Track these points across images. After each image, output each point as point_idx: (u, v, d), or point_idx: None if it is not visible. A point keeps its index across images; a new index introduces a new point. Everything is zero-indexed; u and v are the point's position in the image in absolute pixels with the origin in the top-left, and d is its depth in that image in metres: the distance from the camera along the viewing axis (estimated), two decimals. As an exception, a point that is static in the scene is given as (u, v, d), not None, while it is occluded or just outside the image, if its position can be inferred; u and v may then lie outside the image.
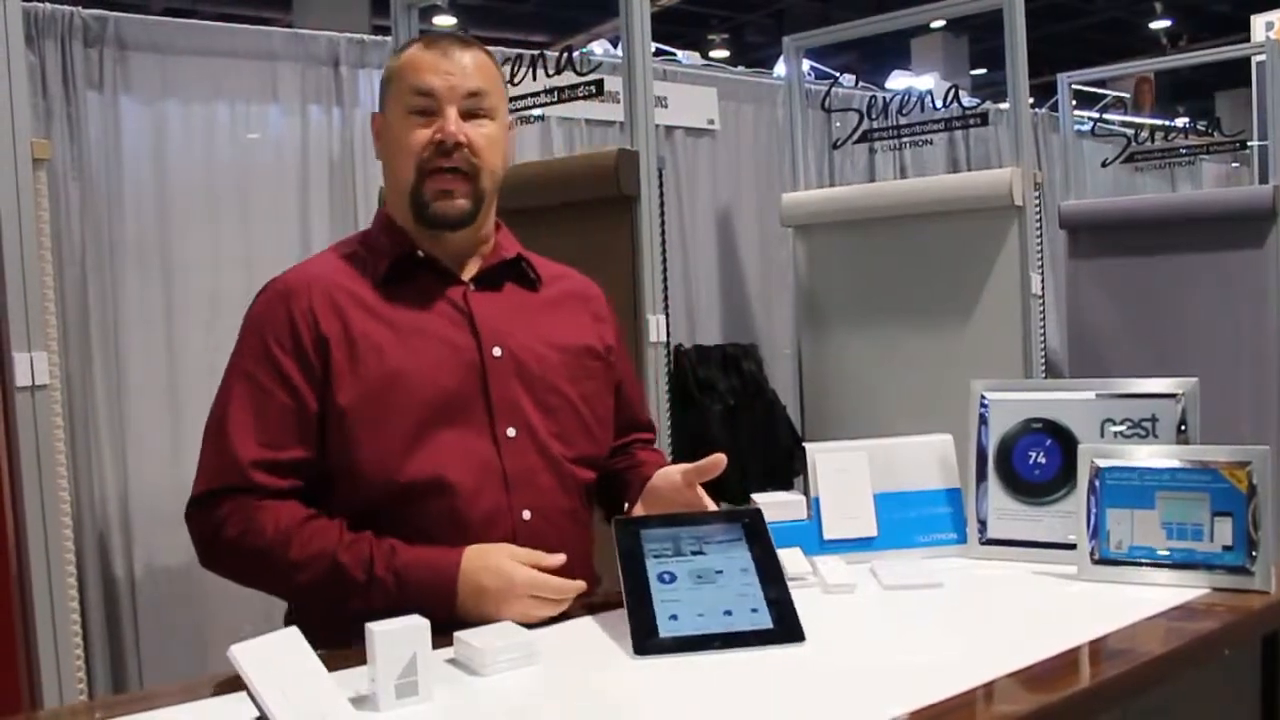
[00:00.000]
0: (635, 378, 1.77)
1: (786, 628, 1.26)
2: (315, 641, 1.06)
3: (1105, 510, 1.45)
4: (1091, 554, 1.45)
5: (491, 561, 1.34)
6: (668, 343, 2.91)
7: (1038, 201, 3.22)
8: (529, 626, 1.28)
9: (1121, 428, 1.54)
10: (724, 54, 11.97)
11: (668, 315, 2.89)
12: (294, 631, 1.03)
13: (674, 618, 1.27)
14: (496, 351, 1.48)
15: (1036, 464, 1.58)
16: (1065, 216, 4.27)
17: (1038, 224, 3.21)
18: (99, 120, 3.10)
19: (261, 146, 3.37)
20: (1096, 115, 5.00)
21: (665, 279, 2.89)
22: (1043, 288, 3.21)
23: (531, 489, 1.46)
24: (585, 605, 1.41)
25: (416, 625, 1.09)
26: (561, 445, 1.51)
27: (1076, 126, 4.79)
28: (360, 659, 1.11)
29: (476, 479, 1.43)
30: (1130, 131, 4.62)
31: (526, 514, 1.46)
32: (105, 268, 3.10)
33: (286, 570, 1.35)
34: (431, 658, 1.10)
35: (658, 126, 4.14)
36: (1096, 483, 1.46)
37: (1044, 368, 3.23)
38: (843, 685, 1.15)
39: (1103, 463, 1.46)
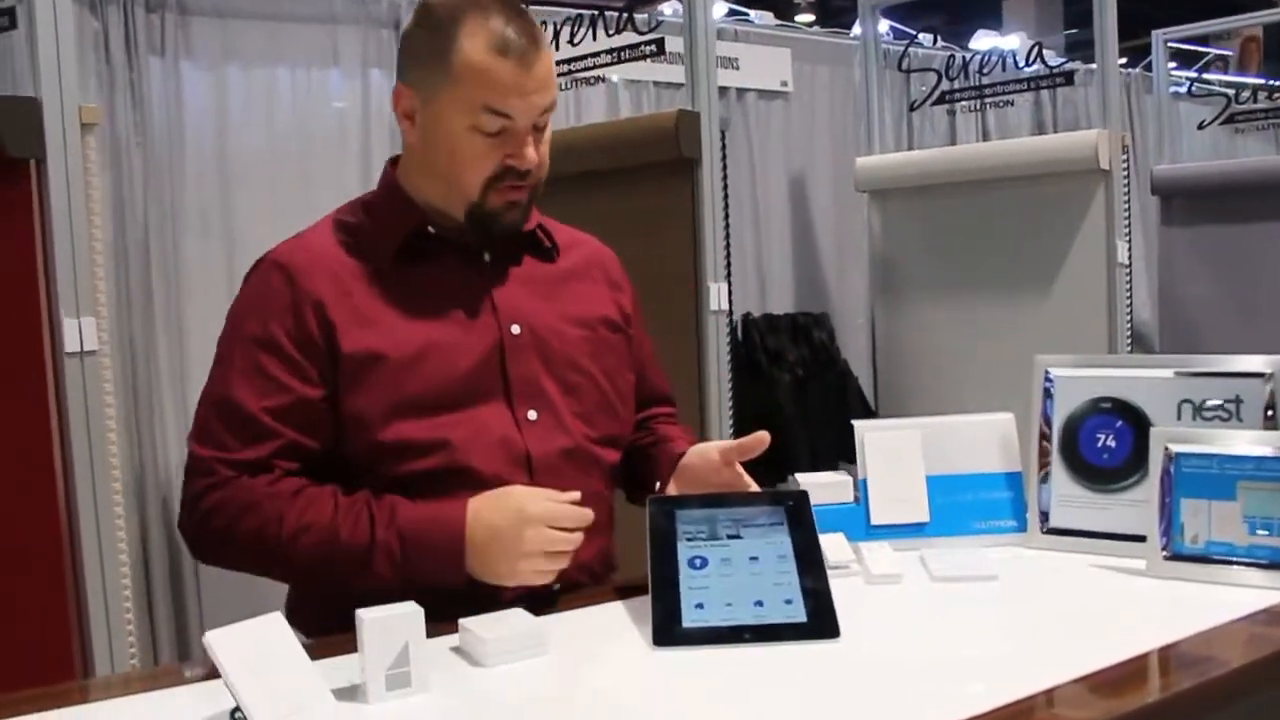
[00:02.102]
0: (653, 347, 1.67)
1: (821, 622, 1.17)
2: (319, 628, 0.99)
3: (1179, 501, 1.32)
4: (1163, 549, 1.33)
5: (508, 500, 1.26)
6: (729, 311, 2.81)
7: (1126, 165, 3.04)
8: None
9: (1202, 409, 1.40)
10: (809, 18, 11.70)
11: (730, 283, 2.79)
12: (277, 616, 0.98)
13: (700, 606, 1.19)
14: (515, 329, 1.40)
15: (1105, 448, 1.45)
16: (1158, 181, 4.04)
17: (1125, 189, 3.03)
18: (161, 86, 3.10)
19: (322, 111, 3.34)
20: (1194, 75, 4.72)
21: (728, 245, 2.79)
22: (1130, 257, 3.03)
23: (555, 474, 1.37)
24: (610, 591, 1.34)
25: (409, 612, 1.02)
26: (584, 426, 1.43)
27: (1174, 88, 4.54)
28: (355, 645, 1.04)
29: (498, 465, 1.35)
30: (1230, 91, 4.35)
31: None
32: (168, 233, 3.11)
33: (283, 554, 1.27)
34: (427, 646, 1.03)
35: (728, 89, 4.04)
36: (1171, 470, 1.33)
37: (1130, 342, 3.06)
38: (877, 687, 1.06)
39: (1178, 448, 1.33)
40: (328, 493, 1.29)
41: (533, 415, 1.38)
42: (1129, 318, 3.04)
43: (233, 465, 1.29)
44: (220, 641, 0.92)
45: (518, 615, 1.16)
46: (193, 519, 1.31)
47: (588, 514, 1.26)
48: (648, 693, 1.06)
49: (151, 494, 3.07)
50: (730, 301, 2.80)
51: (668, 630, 1.16)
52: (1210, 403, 1.40)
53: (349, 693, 1.02)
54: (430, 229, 1.41)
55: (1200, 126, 4.31)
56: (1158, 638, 1.14)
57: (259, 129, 3.24)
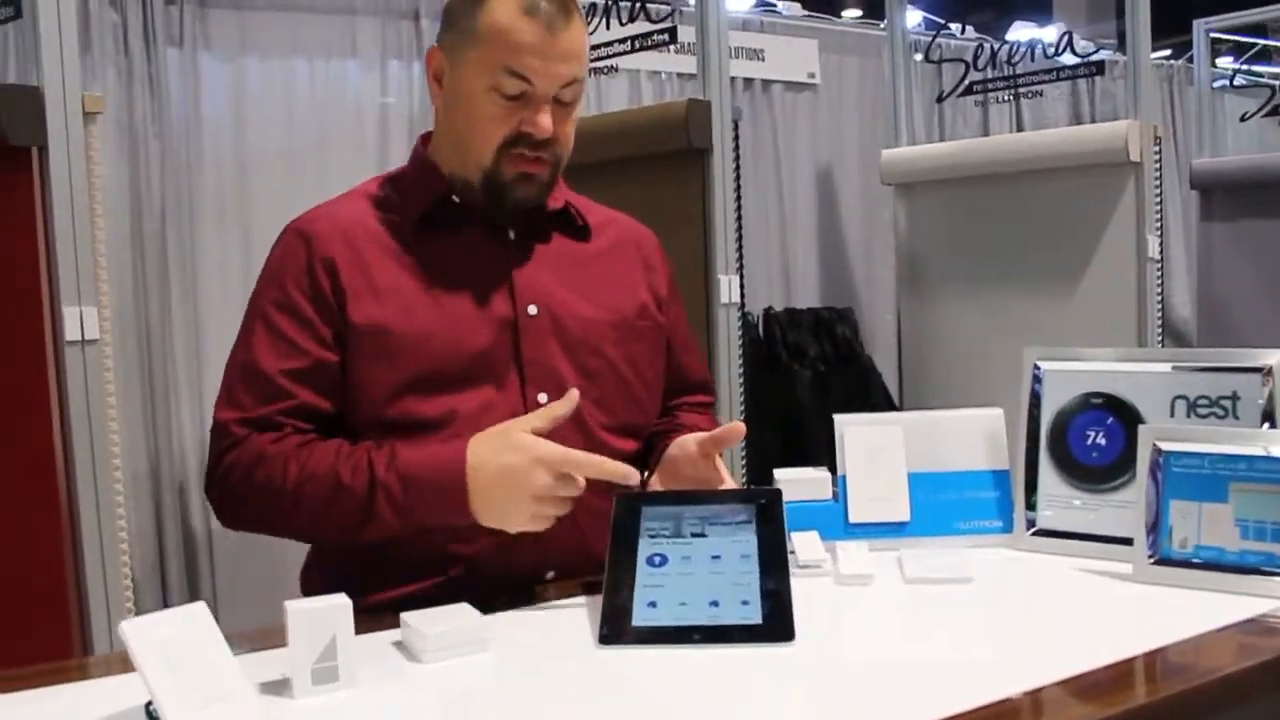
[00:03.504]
0: (689, 331, 1.63)
1: (775, 624, 1.12)
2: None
3: (1168, 502, 1.25)
4: (1149, 553, 1.26)
5: (513, 438, 1.21)
6: (742, 305, 2.77)
7: (1158, 157, 2.94)
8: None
9: (1195, 406, 1.33)
10: (857, 13, 11.55)
11: (742, 276, 2.74)
12: (200, 607, 0.95)
13: (653, 605, 1.15)
14: (532, 309, 1.37)
15: (1095, 446, 1.38)
16: (1197, 175, 3.92)
17: (1157, 181, 2.94)
18: (179, 77, 3.12)
19: (340, 102, 3.34)
20: (1239, 66, 4.58)
21: (740, 238, 2.74)
22: (1161, 251, 2.94)
23: None
24: (577, 584, 1.30)
25: (338, 605, 0.99)
26: (600, 413, 1.40)
27: (1220, 80, 4.40)
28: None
29: None
30: (1276, 83, 4.21)
31: None
32: (184, 223, 3.13)
33: (289, 503, 1.26)
34: (358, 640, 1.00)
35: (753, 80, 3.98)
36: (1159, 470, 1.26)
37: (1161, 338, 2.96)
38: (823, 689, 1.01)
39: (1167, 446, 1.26)
40: (332, 443, 1.29)
41: (543, 398, 1.35)
42: (1160, 313, 2.95)
43: (247, 423, 1.30)
44: (136, 631, 0.90)
45: (462, 611, 1.12)
46: (213, 480, 1.33)
47: (601, 462, 1.21)
48: (582, 692, 1.02)
49: (166, 482, 3.09)
50: (743, 294, 2.75)
51: (615, 628, 1.12)
52: (1205, 398, 1.33)
53: (275, 687, 0.99)
54: (454, 198, 1.39)
55: (1243, 119, 4.18)
56: (1137, 645, 1.07)
57: (276, 120, 3.25)
